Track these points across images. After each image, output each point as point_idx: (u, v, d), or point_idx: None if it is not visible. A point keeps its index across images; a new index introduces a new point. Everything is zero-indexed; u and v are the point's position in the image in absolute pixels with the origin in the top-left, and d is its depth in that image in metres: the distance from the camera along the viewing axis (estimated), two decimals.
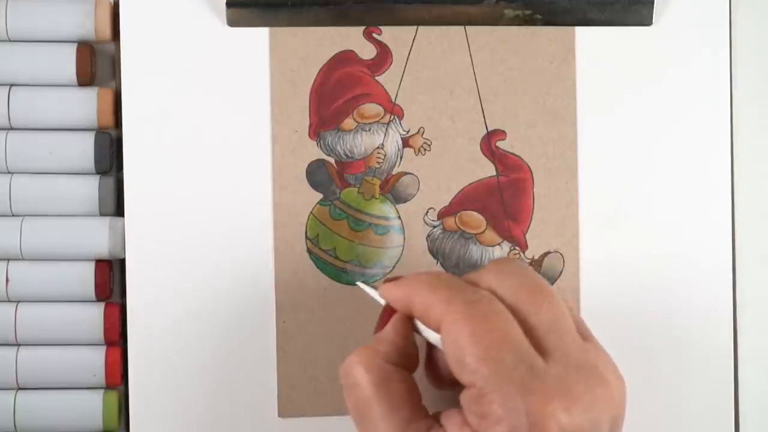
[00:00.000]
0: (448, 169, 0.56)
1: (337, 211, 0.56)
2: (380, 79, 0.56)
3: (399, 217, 0.56)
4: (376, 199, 0.56)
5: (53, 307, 0.55)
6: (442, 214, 0.56)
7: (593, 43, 0.56)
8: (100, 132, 0.55)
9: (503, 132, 0.56)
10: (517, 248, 0.56)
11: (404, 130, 0.56)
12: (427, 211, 0.56)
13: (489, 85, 0.56)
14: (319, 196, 0.56)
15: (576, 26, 0.56)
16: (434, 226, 0.56)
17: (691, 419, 0.56)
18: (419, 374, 0.47)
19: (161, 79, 0.55)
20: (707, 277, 0.56)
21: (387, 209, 0.56)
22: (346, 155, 0.56)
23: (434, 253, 0.56)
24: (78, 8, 0.55)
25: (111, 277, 0.55)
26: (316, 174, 0.56)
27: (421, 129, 0.56)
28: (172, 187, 0.55)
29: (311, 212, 0.56)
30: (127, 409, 0.55)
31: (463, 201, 0.56)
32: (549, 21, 0.56)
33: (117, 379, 0.55)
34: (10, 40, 0.55)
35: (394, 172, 0.56)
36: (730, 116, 0.57)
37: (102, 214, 0.55)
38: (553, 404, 0.41)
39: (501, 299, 0.44)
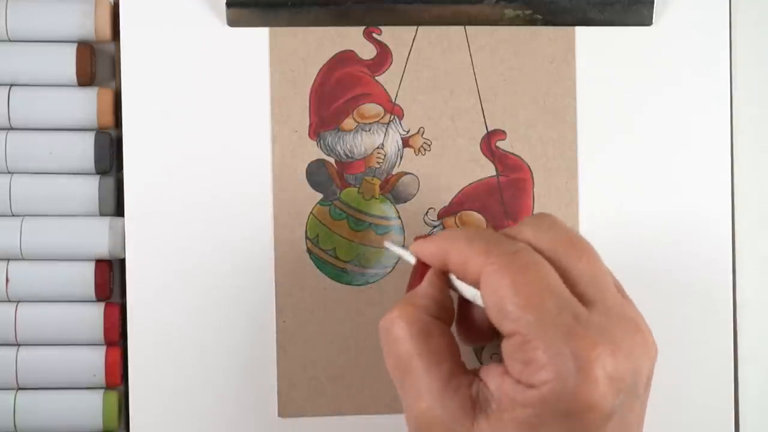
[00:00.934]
0: (448, 169, 0.56)
1: (337, 211, 0.56)
2: (380, 79, 0.56)
3: (399, 217, 0.56)
4: (376, 199, 0.56)
5: (53, 307, 0.55)
6: (442, 214, 0.56)
7: (593, 43, 0.56)
8: (100, 132, 0.55)
9: (503, 132, 0.56)
10: None
11: (404, 130, 0.56)
12: (427, 211, 0.56)
13: (489, 85, 0.56)
14: (319, 196, 0.56)
15: (576, 26, 0.56)
16: (434, 226, 0.56)
17: (691, 419, 0.56)
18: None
19: (161, 79, 0.55)
20: (707, 277, 0.56)
21: (387, 209, 0.56)
22: (346, 155, 0.56)
23: None
24: (78, 8, 0.55)
25: (111, 277, 0.55)
26: (316, 174, 0.56)
27: (421, 129, 0.56)
28: (172, 187, 0.55)
29: (311, 212, 0.56)
30: (127, 409, 0.55)
31: (463, 201, 0.56)
32: (549, 21, 0.56)
33: (117, 379, 0.55)
34: (10, 40, 0.55)
35: (394, 172, 0.56)
36: (730, 116, 0.57)
37: (102, 214, 0.55)
38: (599, 349, 0.42)
39: (540, 252, 0.45)
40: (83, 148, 0.55)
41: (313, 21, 0.55)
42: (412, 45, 0.56)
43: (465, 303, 0.47)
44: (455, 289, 0.47)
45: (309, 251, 0.55)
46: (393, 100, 0.56)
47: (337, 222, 0.56)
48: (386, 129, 0.56)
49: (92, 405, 0.55)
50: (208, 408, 0.55)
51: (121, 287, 0.56)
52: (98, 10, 0.55)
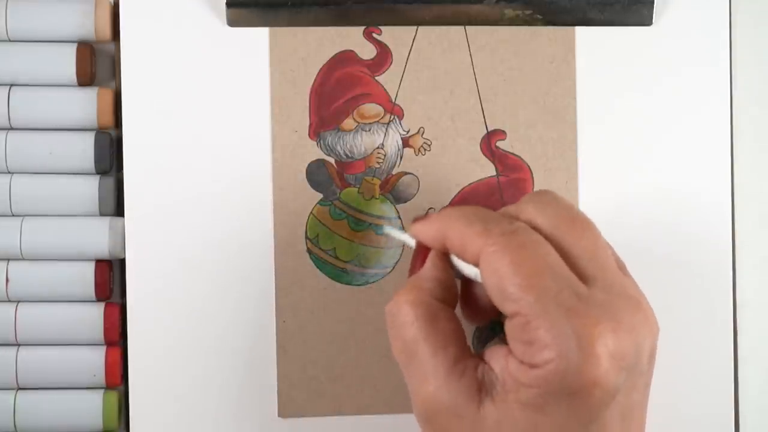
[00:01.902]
0: (448, 169, 0.56)
1: (337, 211, 0.56)
2: (380, 79, 0.56)
3: (399, 217, 0.56)
4: (376, 199, 0.56)
5: (53, 307, 0.55)
6: None
7: (593, 43, 0.56)
8: (100, 132, 0.55)
9: (503, 132, 0.56)
10: None
11: (404, 130, 0.56)
12: (427, 211, 0.56)
13: (489, 85, 0.56)
14: (319, 196, 0.56)
15: (576, 26, 0.56)
16: None
17: (691, 419, 0.56)
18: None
19: (161, 79, 0.55)
20: (707, 276, 0.56)
21: (387, 209, 0.56)
22: (346, 155, 0.56)
23: None
24: (78, 8, 0.55)
25: (111, 277, 0.55)
26: (316, 174, 0.56)
27: (421, 129, 0.56)
28: (172, 187, 0.55)
29: (311, 212, 0.56)
30: (127, 409, 0.55)
31: (463, 201, 0.56)
32: (549, 21, 0.56)
33: (117, 379, 0.55)
34: (10, 40, 0.55)
35: (394, 172, 0.56)
36: (730, 116, 0.57)
37: (102, 214, 0.55)
38: (601, 326, 0.42)
39: (540, 230, 0.45)
40: (83, 148, 0.55)
41: (313, 21, 0.55)
42: (412, 45, 0.56)
43: (468, 281, 0.47)
44: (456, 269, 0.47)
45: (309, 251, 0.55)
46: (393, 100, 0.56)
47: (337, 222, 0.56)
48: (386, 129, 0.56)
49: (92, 405, 0.55)
50: (208, 408, 0.55)
51: (121, 287, 0.56)
52: (98, 10, 0.55)
